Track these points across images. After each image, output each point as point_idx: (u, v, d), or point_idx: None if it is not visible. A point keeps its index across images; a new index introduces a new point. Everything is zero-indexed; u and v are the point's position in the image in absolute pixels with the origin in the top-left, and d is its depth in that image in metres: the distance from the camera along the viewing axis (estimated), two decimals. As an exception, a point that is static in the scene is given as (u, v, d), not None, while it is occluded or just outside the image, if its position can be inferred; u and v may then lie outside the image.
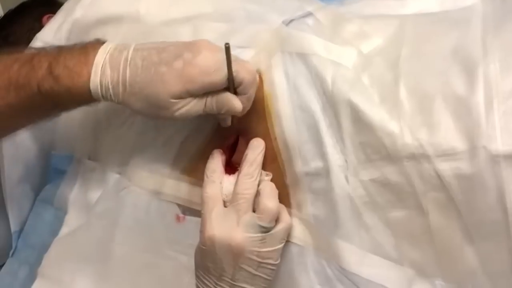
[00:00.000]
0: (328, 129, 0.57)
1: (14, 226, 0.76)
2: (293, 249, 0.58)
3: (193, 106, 0.55)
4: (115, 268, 0.66)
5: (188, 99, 0.54)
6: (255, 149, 0.58)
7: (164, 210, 0.65)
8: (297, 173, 0.58)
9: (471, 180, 0.50)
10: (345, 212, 0.56)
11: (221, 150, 0.60)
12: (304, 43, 0.60)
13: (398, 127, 0.53)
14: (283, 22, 0.64)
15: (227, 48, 0.52)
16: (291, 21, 0.64)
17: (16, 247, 0.76)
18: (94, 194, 0.70)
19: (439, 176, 0.51)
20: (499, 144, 0.48)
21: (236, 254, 0.54)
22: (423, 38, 0.58)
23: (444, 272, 0.53)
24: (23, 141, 0.73)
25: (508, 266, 0.50)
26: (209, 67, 0.53)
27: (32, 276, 0.71)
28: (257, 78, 0.58)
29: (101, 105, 0.59)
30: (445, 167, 0.51)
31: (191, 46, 0.54)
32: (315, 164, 0.57)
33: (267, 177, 0.58)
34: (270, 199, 0.55)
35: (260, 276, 0.55)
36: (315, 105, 0.58)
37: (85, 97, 0.56)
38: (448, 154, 0.51)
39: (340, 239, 0.56)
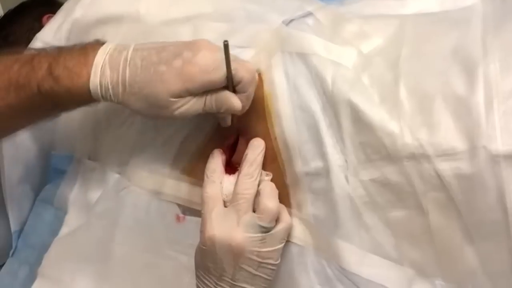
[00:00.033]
0: (328, 129, 0.57)
1: (14, 226, 0.76)
2: (293, 249, 0.58)
3: (192, 105, 0.55)
4: (115, 268, 0.66)
5: (188, 98, 0.54)
6: (255, 149, 0.58)
7: (164, 210, 0.65)
8: (297, 173, 0.58)
9: (471, 180, 0.50)
10: (345, 212, 0.56)
11: (221, 150, 0.60)
12: (304, 43, 0.60)
13: (398, 127, 0.53)
14: (283, 22, 0.64)
15: (226, 46, 0.52)
16: (291, 21, 0.64)
17: (16, 247, 0.76)
18: (94, 194, 0.70)
19: (439, 176, 0.51)
20: (499, 144, 0.48)
21: (236, 254, 0.54)
22: (423, 38, 0.58)
23: (444, 272, 0.53)
24: (23, 141, 0.73)
25: (508, 266, 0.50)
26: (208, 65, 0.53)
27: (32, 276, 0.71)
28: (256, 77, 0.58)
29: (101, 105, 0.59)
30: (445, 167, 0.51)
31: (191, 46, 0.55)
32: (315, 164, 0.57)
33: (267, 177, 0.58)
34: (270, 199, 0.55)
35: (260, 276, 0.55)
36: (315, 105, 0.58)
37: (84, 97, 0.56)
38: (448, 154, 0.51)
39: (340, 239, 0.56)
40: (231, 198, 0.56)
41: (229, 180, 0.58)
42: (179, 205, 0.65)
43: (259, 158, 0.58)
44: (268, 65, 0.60)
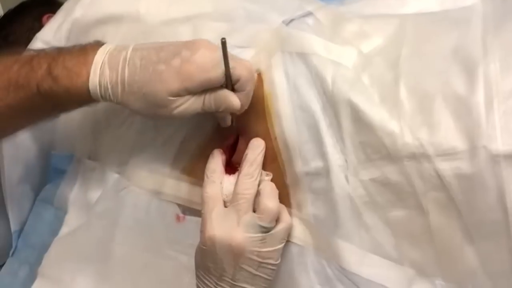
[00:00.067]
0: (328, 128, 0.57)
1: (14, 226, 0.76)
2: (293, 249, 0.58)
3: (191, 104, 0.55)
4: (115, 268, 0.66)
5: (187, 97, 0.54)
6: (255, 149, 0.58)
7: (164, 210, 0.65)
8: (297, 173, 0.58)
9: (471, 180, 0.50)
10: (345, 212, 0.56)
11: (221, 150, 0.60)
12: (304, 42, 0.60)
13: (398, 126, 0.53)
14: (283, 21, 0.64)
15: (223, 44, 0.52)
16: (291, 20, 0.64)
17: (16, 247, 0.76)
18: (94, 194, 0.70)
19: (439, 176, 0.51)
20: (499, 144, 0.48)
21: (237, 254, 0.54)
22: (423, 37, 0.58)
23: (444, 272, 0.53)
24: (23, 141, 0.73)
25: (508, 266, 0.50)
26: (206, 64, 0.53)
27: (32, 276, 0.71)
28: (255, 75, 0.58)
29: (100, 105, 0.59)
30: (445, 167, 0.51)
31: (189, 45, 0.55)
32: (315, 164, 0.57)
33: (267, 177, 0.58)
34: (270, 199, 0.55)
35: (260, 276, 0.55)
36: (315, 105, 0.58)
37: (84, 97, 0.56)
38: (448, 154, 0.51)
39: (340, 239, 0.56)
40: (231, 198, 0.56)
41: (229, 180, 0.58)
42: (179, 205, 0.65)
43: (259, 158, 0.57)
44: (268, 65, 0.60)
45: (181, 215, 0.64)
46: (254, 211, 0.55)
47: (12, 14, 0.94)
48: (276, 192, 0.57)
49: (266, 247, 0.55)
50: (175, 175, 0.65)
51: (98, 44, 0.57)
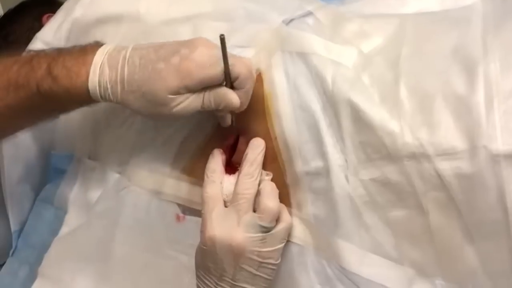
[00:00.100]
0: (328, 128, 0.57)
1: (14, 226, 0.76)
2: (293, 249, 0.58)
3: (191, 102, 0.55)
4: (116, 268, 0.66)
5: (186, 95, 0.54)
6: (255, 149, 0.58)
7: (164, 210, 0.65)
8: (297, 172, 0.58)
9: (472, 179, 0.50)
10: (345, 212, 0.56)
11: (221, 150, 0.60)
12: (304, 42, 0.60)
13: (399, 126, 0.53)
14: (283, 21, 0.64)
15: (222, 40, 0.52)
16: (291, 20, 0.64)
17: (16, 246, 0.76)
18: (94, 194, 0.70)
19: (439, 176, 0.51)
20: (500, 143, 0.48)
21: (237, 254, 0.54)
22: (423, 37, 0.58)
23: (444, 271, 0.53)
24: (23, 141, 0.73)
25: (508, 265, 0.50)
26: (205, 61, 0.53)
27: (32, 276, 0.71)
28: (254, 73, 0.58)
29: (100, 104, 0.59)
30: (446, 167, 0.51)
31: (188, 43, 0.55)
32: (315, 163, 0.57)
33: (267, 177, 0.58)
34: (270, 199, 0.55)
35: (260, 276, 0.55)
36: (315, 105, 0.58)
37: (83, 97, 0.56)
38: (449, 154, 0.51)
39: (340, 238, 0.56)
40: (232, 198, 0.56)
41: (229, 180, 0.58)
42: (179, 204, 0.65)
43: (259, 158, 0.57)
44: (268, 65, 0.60)
45: (181, 215, 0.64)
46: (254, 211, 0.55)
47: (12, 14, 0.94)
48: (276, 192, 0.57)
49: (267, 247, 0.55)
50: (175, 175, 0.65)
51: (98, 45, 0.57)
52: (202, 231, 0.56)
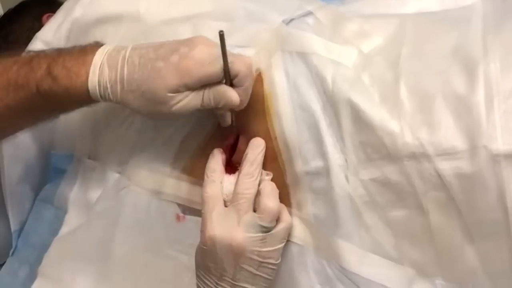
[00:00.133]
0: (328, 128, 0.57)
1: (14, 226, 0.76)
2: (293, 249, 0.58)
3: (190, 100, 0.55)
4: (116, 268, 0.66)
5: (185, 93, 0.54)
6: (256, 149, 0.58)
7: (164, 210, 0.65)
8: (297, 172, 0.58)
9: (472, 179, 0.50)
10: (345, 212, 0.56)
11: (221, 150, 0.60)
12: (304, 42, 0.60)
13: (399, 126, 0.53)
14: (283, 21, 0.64)
15: (221, 36, 0.52)
16: (291, 20, 0.64)
17: (16, 246, 0.76)
18: (94, 193, 0.70)
19: (439, 176, 0.51)
20: (500, 143, 0.48)
21: (237, 254, 0.54)
22: (423, 37, 0.58)
23: (444, 271, 0.53)
24: (23, 141, 0.73)
25: (508, 265, 0.50)
26: (204, 59, 0.53)
27: (32, 276, 0.71)
28: (253, 70, 0.58)
29: (100, 104, 0.59)
30: (446, 167, 0.51)
31: (188, 42, 0.55)
32: (316, 163, 0.57)
33: (267, 177, 0.58)
34: (270, 199, 0.55)
35: (261, 276, 0.55)
36: (316, 105, 0.58)
37: (83, 97, 0.56)
38: (449, 154, 0.51)
39: (340, 238, 0.56)
40: (232, 198, 0.56)
41: (229, 180, 0.58)
42: (179, 204, 0.65)
43: (260, 158, 0.57)
44: (268, 65, 0.60)
45: (181, 214, 0.64)
46: (254, 210, 0.55)
47: (12, 14, 0.94)
48: (277, 191, 0.57)
49: (267, 246, 0.55)
50: (175, 175, 0.65)
51: (98, 45, 0.58)
52: (202, 230, 0.56)
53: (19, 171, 0.75)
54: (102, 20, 0.69)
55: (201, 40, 0.55)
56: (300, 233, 0.59)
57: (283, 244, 0.56)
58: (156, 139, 0.66)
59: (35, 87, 0.56)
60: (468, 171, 0.50)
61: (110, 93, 0.55)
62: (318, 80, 0.58)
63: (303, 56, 0.59)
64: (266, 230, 0.55)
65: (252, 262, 0.54)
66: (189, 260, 0.60)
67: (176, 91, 0.54)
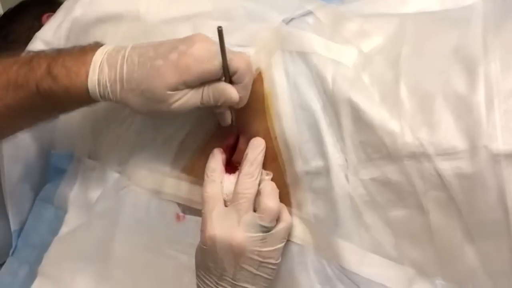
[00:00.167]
0: (328, 128, 0.57)
1: (14, 225, 0.76)
2: (294, 249, 0.58)
3: (190, 97, 0.55)
4: (116, 267, 0.66)
5: (185, 91, 0.54)
6: (256, 149, 0.58)
7: (164, 209, 0.65)
8: (297, 172, 0.58)
9: (472, 179, 0.50)
10: (345, 211, 0.56)
11: (221, 149, 0.60)
12: (304, 41, 0.60)
13: (399, 126, 0.53)
14: (283, 20, 0.64)
15: (220, 32, 0.52)
16: (291, 19, 0.64)
17: (16, 246, 0.76)
18: (94, 193, 0.70)
19: (439, 175, 0.51)
20: (500, 143, 0.48)
21: (237, 253, 0.54)
22: (423, 37, 0.58)
23: (444, 271, 0.53)
24: (23, 140, 0.73)
25: (508, 265, 0.50)
26: (203, 56, 0.53)
27: (32, 275, 0.71)
28: (252, 67, 0.58)
29: (100, 104, 0.59)
30: (446, 166, 0.51)
31: (187, 39, 0.55)
32: (316, 163, 0.57)
33: (267, 177, 0.58)
34: (270, 199, 0.55)
35: (261, 276, 0.55)
36: (316, 104, 0.57)
37: (83, 97, 0.56)
38: (449, 153, 0.51)
39: (340, 238, 0.56)
40: (232, 198, 0.56)
41: (229, 180, 0.58)
42: (179, 204, 0.65)
43: (260, 158, 0.57)
44: (268, 64, 0.60)
45: (181, 214, 0.64)
46: (254, 210, 0.55)
47: (12, 13, 0.94)
48: (277, 191, 0.57)
49: (267, 246, 0.55)
50: (175, 174, 0.65)
51: (97, 45, 0.58)
52: (202, 230, 0.56)
53: (19, 170, 0.75)
54: (102, 20, 0.69)
55: (200, 37, 0.55)
56: (300, 232, 0.59)
57: (283, 243, 0.56)
58: (156, 138, 0.65)
59: (35, 87, 0.56)
60: (468, 171, 0.50)
61: (109, 92, 0.55)
62: (318, 79, 0.58)
63: (303, 56, 0.59)
64: (266, 229, 0.55)
65: (252, 262, 0.54)
66: (189, 260, 0.60)
67: (176, 88, 0.54)
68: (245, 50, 0.61)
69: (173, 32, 0.64)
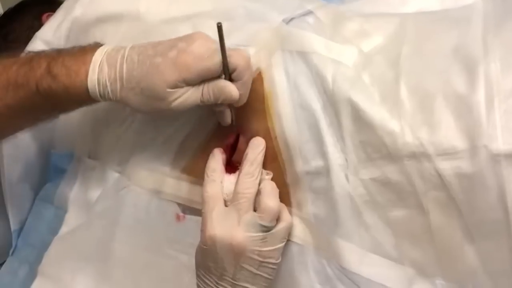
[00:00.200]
0: (328, 128, 0.57)
1: (14, 225, 0.76)
2: (294, 248, 0.58)
3: (190, 95, 0.55)
4: (116, 267, 0.66)
5: (185, 88, 0.54)
6: (256, 148, 0.58)
7: (164, 209, 0.65)
8: (297, 172, 0.58)
9: (472, 179, 0.50)
10: (345, 211, 0.56)
11: (221, 149, 0.60)
12: (305, 41, 0.60)
13: (399, 126, 0.53)
14: (283, 20, 0.64)
15: (219, 28, 0.52)
16: (292, 19, 0.64)
17: (16, 245, 0.76)
18: (94, 193, 0.70)
19: (439, 175, 0.51)
20: (500, 143, 0.48)
21: (237, 253, 0.54)
22: (423, 36, 0.58)
23: (444, 271, 0.53)
24: (23, 140, 0.73)
25: (508, 265, 0.50)
26: (202, 53, 0.54)
27: (32, 275, 0.71)
28: (252, 64, 0.58)
29: (100, 103, 0.59)
30: (446, 166, 0.51)
31: (186, 37, 0.55)
32: (316, 163, 0.57)
33: (267, 176, 0.58)
34: (271, 198, 0.55)
35: (261, 276, 0.55)
36: (316, 104, 0.57)
37: (82, 96, 0.56)
38: (449, 153, 0.51)
39: (340, 238, 0.56)
40: (232, 198, 0.56)
41: (229, 180, 0.58)
42: (179, 204, 0.64)
43: (260, 157, 0.57)
44: (268, 64, 0.60)
45: (181, 214, 0.64)
46: (254, 210, 0.55)
47: (12, 13, 0.94)
48: (277, 191, 0.57)
49: (267, 246, 0.55)
50: (175, 174, 0.65)
51: (97, 45, 0.58)
52: (203, 230, 0.56)
53: (19, 170, 0.75)
54: (102, 19, 0.69)
55: (200, 35, 0.55)
56: (300, 232, 0.59)
57: (283, 243, 0.56)
58: (156, 138, 0.65)
59: (35, 86, 0.56)
60: (468, 170, 0.50)
61: (109, 92, 0.55)
62: (318, 79, 0.58)
63: (303, 55, 0.59)
64: (267, 229, 0.55)
65: (252, 261, 0.54)
66: (189, 260, 0.60)
67: (175, 86, 0.54)
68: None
69: (173, 32, 0.63)
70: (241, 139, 0.61)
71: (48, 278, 0.69)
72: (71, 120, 0.70)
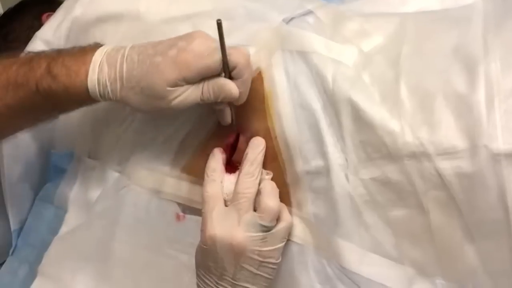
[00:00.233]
0: (328, 127, 0.57)
1: (14, 225, 0.76)
2: (294, 248, 0.58)
3: (189, 94, 0.55)
4: (116, 267, 0.66)
5: (185, 87, 0.54)
6: (256, 148, 0.58)
7: (164, 209, 0.65)
8: (297, 172, 0.58)
9: (472, 178, 0.50)
10: (345, 211, 0.56)
11: (222, 149, 0.60)
12: (305, 41, 0.60)
13: (399, 125, 0.53)
14: (283, 20, 0.64)
15: (219, 25, 0.52)
16: (292, 19, 0.64)
17: (16, 245, 0.76)
18: (94, 193, 0.70)
19: (439, 175, 0.51)
20: (500, 143, 0.48)
21: (237, 253, 0.54)
22: (424, 36, 0.58)
23: (444, 271, 0.53)
24: (23, 140, 0.73)
25: (509, 264, 0.50)
26: (202, 51, 0.54)
27: (32, 275, 0.71)
28: (251, 61, 0.58)
29: (100, 103, 0.59)
30: (446, 166, 0.51)
31: (186, 36, 0.55)
32: (316, 162, 0.57)
33: (267, 176, 0.58)
34: (271, 198, 0.55)
35: (261, 275, 0.55)
36: (316, 104, 0.57)
37: (82, 96, 0.56)
38: (449, 153, 0.51)
39: (340, 238, 0.56)
40: (232, 197, 0.56)
41: (229, 179, 0.58)
42: (179, 203, 0.64)
43: (260, 157, 0.57)
44: (269, 64, 0.60)
45: (181, 214, 0.64)
46: (254, 210, 0.55)
47: (12, 13, 0.94)
48: (277, 191, 0.57)
49: (267, 246, 0.55)
50: (175, 174, 0.65)
51: (97, 45, 0.58)
52: (203, 230, 0.56)
53: (19, 170, 0.75)
54: (102, 19, 0.69)
55: (200, 34, 0.55)
56: (300, 232, 0.59)
57: (283, 243, 0.56)
58: (156, 138, 0.65)
59: (35, 86, 0.56)
60: (468, 170, 0.50)
61: (109, 91, 0.55)
62: (319, 79, 0.58)
63: (304, 55, 0.59)
64: (267, 229, 0.55)
65: (252, 261, 0.54)
66: (189, 260, 0.60)
67: (175, 85, 0.54)
68: (245, 50, 0.61)
69: (173, 32, 0.63)
70: (241, 139, 0.61)
71: (48, 278, 0.69)
72: (71, 120, 0.70)
